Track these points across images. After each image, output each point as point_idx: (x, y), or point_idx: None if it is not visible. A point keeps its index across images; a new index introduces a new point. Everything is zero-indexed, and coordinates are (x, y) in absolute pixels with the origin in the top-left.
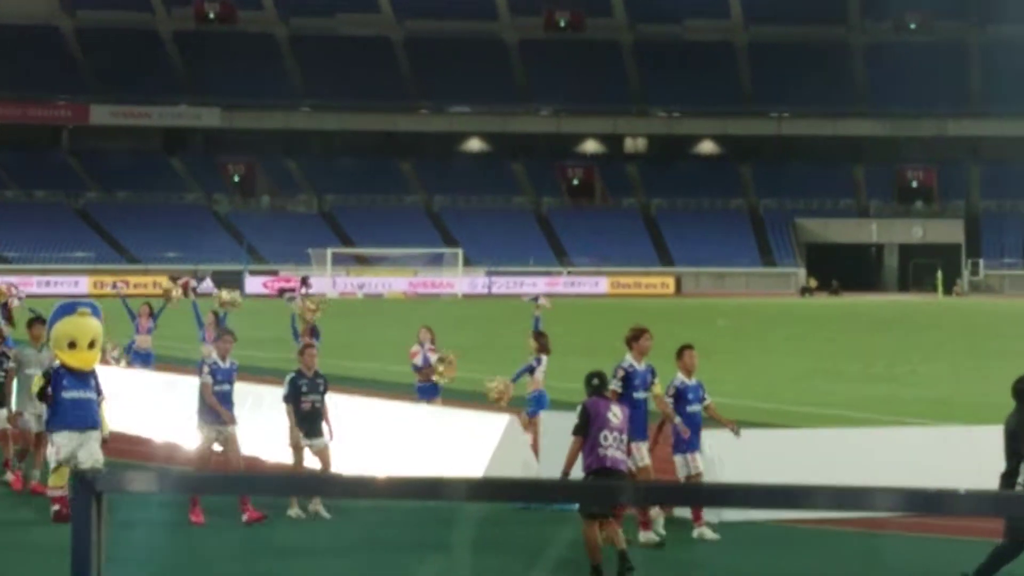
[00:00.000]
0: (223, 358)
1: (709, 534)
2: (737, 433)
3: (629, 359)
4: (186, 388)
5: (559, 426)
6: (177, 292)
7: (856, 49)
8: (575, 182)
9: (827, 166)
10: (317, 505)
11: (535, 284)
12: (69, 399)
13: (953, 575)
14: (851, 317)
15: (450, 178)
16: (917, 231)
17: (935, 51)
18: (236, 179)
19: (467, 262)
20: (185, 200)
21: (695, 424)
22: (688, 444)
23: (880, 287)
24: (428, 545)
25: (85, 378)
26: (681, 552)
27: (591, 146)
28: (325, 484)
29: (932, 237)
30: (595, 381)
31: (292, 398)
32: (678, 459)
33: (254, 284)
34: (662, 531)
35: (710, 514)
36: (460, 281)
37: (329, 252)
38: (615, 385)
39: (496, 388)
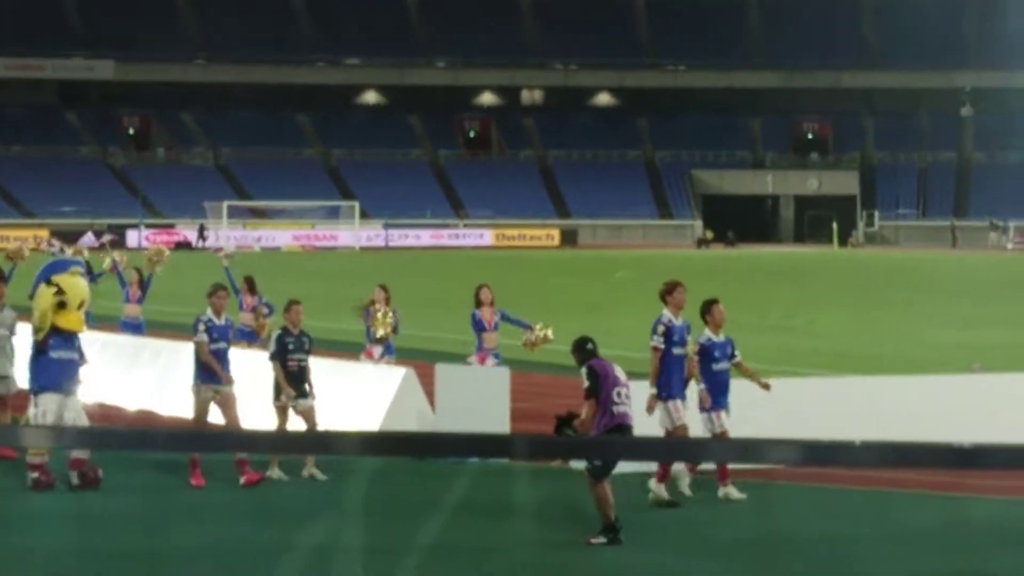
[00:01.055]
0: (218, 314)
1: (735, 493)
2: (767, 388)
3: (667, 314)
4: (158, 353)
5: (455, 378)
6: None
7: (751, 1)
8: (472, 135)
9: (723, 118)
10: (311, 468)
11: (418, 237)
12: (56, 359)
13: (847, 527)
14: (747, 268)
15: (347, 131)
16: (812, 183)
17: (830, 3)
18: (131, 132)
19: (364, 215)
20: (80, 153)
21: (722, 382)
22: (713, 402)
23: (776, 238)
24: (318, 504)
25: (71, 339)
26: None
27: (488, 98)
28: (217, 440)
29: (827, 188)
30: (589, 345)
31: (279, 356)
32: (703, 417)
33: (135, 239)
34: (687, 491)
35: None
36: (357, 234)
37: (225, 205)
38: (656, 341)
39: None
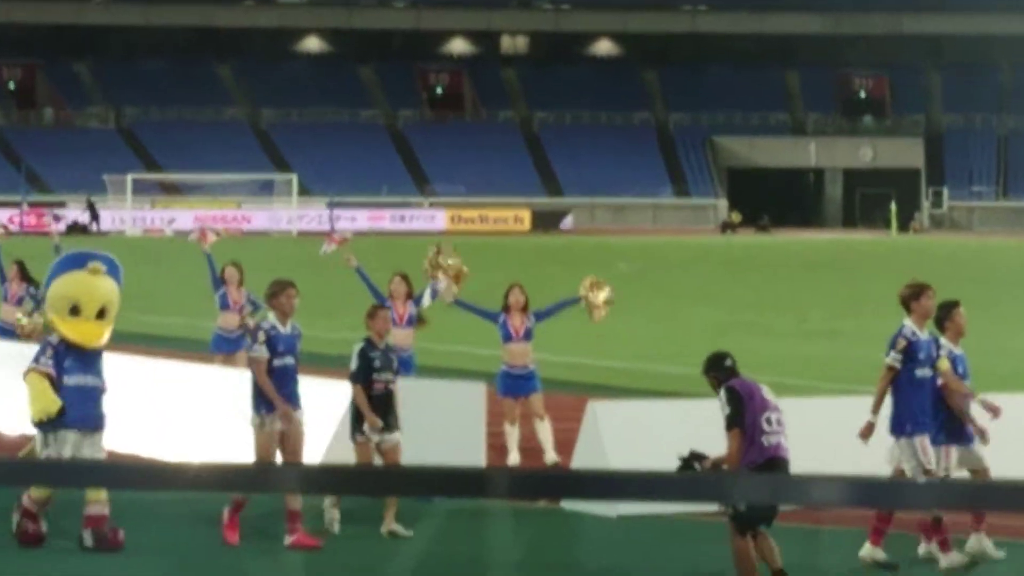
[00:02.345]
0: (284, 320)
1: (991, 550)
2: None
3: (909, 325)
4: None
5: (417, 394)
6: None
7: None
8: (439, 91)
9: (753, 72)
10: (391, 523)
11: (373, 218)
12: (74, 387)
13: None
14: (783, 259)
15: (281, 86)
16: (866, 153)
17: None
18: (11, 87)
19: (304, 191)
20: None
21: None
22: (916, 426)
23: (820, 222)
24: (254, 551)
25: (92, 359)
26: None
27: (459, 46)
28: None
29: (884, 160)
30: (728, 362)
31: (361, 377)
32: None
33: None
34: (992, 550)
35: (603, 506)
36: (295, 215)
37: (129, 178)
38: (893, 359)
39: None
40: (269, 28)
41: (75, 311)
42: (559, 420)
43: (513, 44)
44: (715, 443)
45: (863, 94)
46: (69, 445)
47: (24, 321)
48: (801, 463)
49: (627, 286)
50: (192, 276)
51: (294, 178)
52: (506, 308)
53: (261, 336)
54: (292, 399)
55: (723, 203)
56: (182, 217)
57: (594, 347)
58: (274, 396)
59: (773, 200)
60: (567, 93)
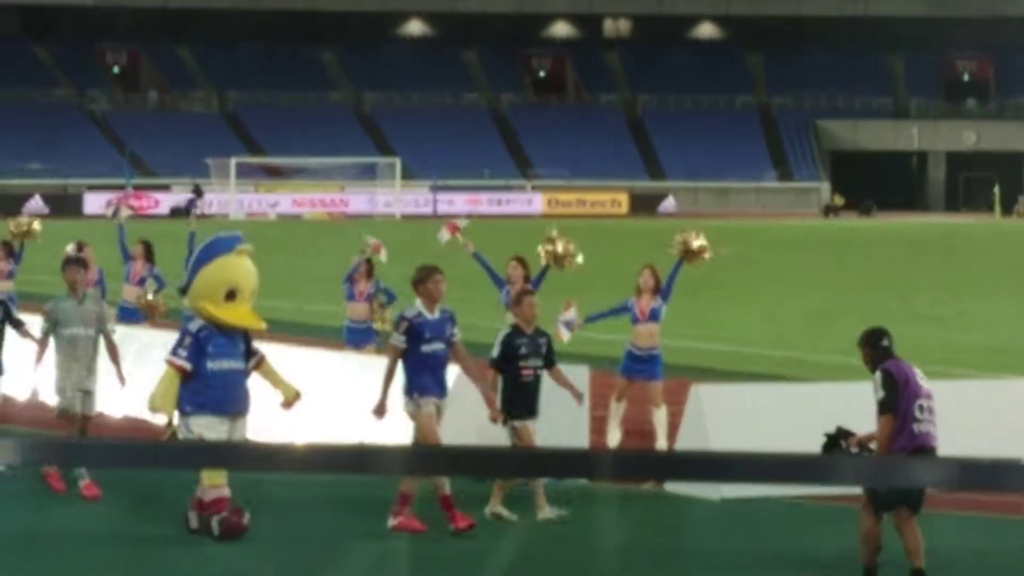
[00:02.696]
0: (431, 305)
1: None
2: None
3: None
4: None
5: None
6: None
7: None
8: (541, 74)
9: (856, 55)
10: (544, 510)
11: (475, 201)
12: (216, 371)
13: (1010, 562)
14: (886, 243)
15: (384, 70)
16: (969, 136)
17: None
18: (116, 71)
19: (407, 175)
20: (52, 97)
21: None
22: None
23: (923, 206)
24: (358, 532)
25: (235, 343)
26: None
27: (561, 29)
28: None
29: (988, 143)
30: (884, 341)
31: (506, 362)
32: None
33: (95, 203)
34: None
35: (706, 489)
36: (398, 198)
37: (233, 162)
38: None
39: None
40: (372, 12)
41: (231, 295)
42: (641, 401)
43: (616, 27)
44: (816, 427)
45: (966, 77)
46: (214, 431)
47: (150, 297)
48: None
49: (730, 270)
50: (300, 260)
51: (397, 162)
52: (637, 291)
53: (403, 325)
54: (440, 386)
55: (826, 186)
56: (285, 201)
57: (697, 331)
58: (386, 389)
59: (876, 184)
60: (669, 77)
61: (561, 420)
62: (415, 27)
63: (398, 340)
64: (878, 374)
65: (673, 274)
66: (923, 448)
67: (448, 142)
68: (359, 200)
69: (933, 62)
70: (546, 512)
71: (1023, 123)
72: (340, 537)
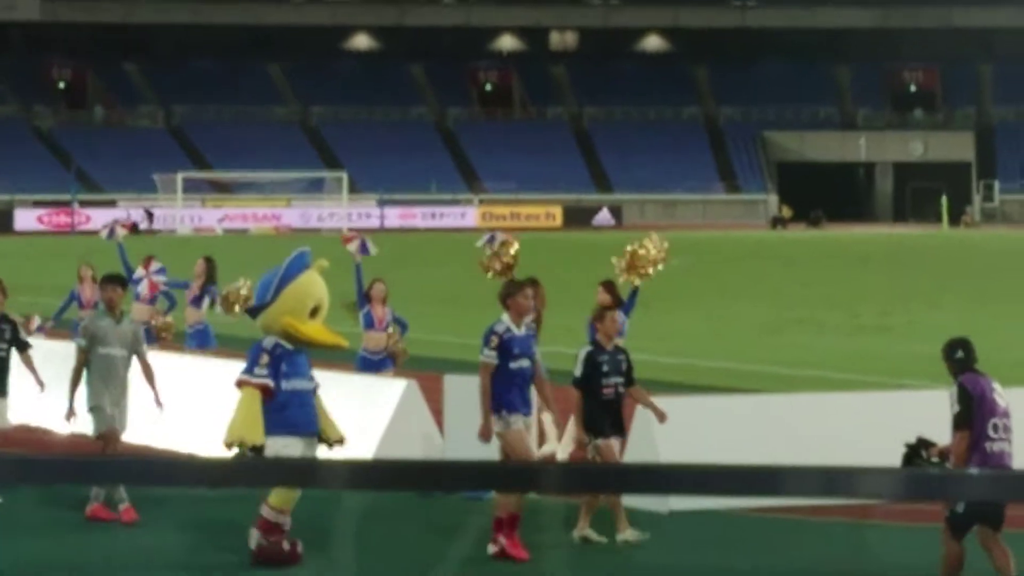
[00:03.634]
0: (519, 321)
1: None
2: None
3: None
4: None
5: (469, 391)
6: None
7: None
8: (488, 88)
9: (803, 66)
10: (626, 531)
11: (422, 216)
12: (291, 391)
13: None
14: (834, 254)
15: (331, 84)
16: (916, 147)
17: None
18: (62, 86)
19: (354, 188)
20: None
21: None
22: None
23: (871, 217)
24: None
25: (305, 361)
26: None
27: (508, 43)
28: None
29: (935, 154)
30: (959, 353)
31: (587, 382)
32: None
33: (26, 219)
34: None
35: (655, 503)
36: (345, 212)
37: (179, 177)
38: None
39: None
40: (319, 26)
41: (315, 312)
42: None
43: (562, 40)
44: (761, 440)
45: (913, 88)
46: (291, 452)
47: (169, 319)
48: (851, 457)
49: (678, 282)
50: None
51: (344, 176)
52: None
53: (494, 340)
54: (527, 403)
55: (773, 198)
56: (233, 215)
57: (646, 343)
58: (486, 408)
59: (824, 195)
60: (616, 89)
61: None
62: (362, 41)
63: (489, 356)
64: (954, 388)
65: (631, 305)
66: (997, 468)
67: (395, 156)
68: (306, 214)
69: (880, 73)
70: (627, 534)
71: (970, 133)
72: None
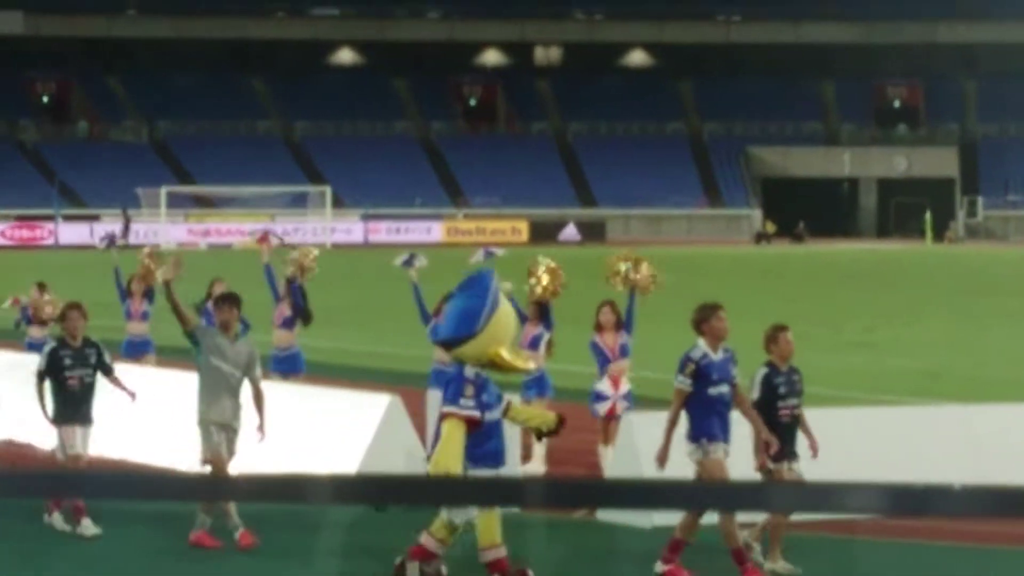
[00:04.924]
0: (716, 345)
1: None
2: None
3: None
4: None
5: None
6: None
7: None
8: (472, 103)
9: (787, 82)
10: (777, 562)
11: (406, 230)
12: (492, 422)
13: None
14: (818, 269)
15: (315, 99)
16: (900, 162)
17: None
18: (45, 100)
19: (337, 203)
20: None
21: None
22: None
23: (855, 232)
24: (286, 554)
25: (495, 389)
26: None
27: (492, 57)
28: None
29: (918, 170)
30: None
31: (766, 404)
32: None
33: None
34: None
35: (638, 517)
36: (329, 227)
37: (163, 191)
38: None
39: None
40: (302, 40)
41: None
42: (593, 432)
43: (546, 55)
44: (745, 455)
45: (897, 103)
46: None
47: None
48: (836, 472)
49: (662, 298)
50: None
51: (328, 190)
52: (598, 328)
53: (690, 367)
54: (726, 431)
55: (757, 213)
56: (216, 230)
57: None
58: (668, 433)
59: (807, 210)
60: (601, 104)
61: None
62: (345, 56)
63: (684, 383)
64: None
65: (630, 308)
66: None
67: (379, 171)
68: (290, 229)
69: (864, 88)
70: (779, 566)
71: (953, 149)
72: None
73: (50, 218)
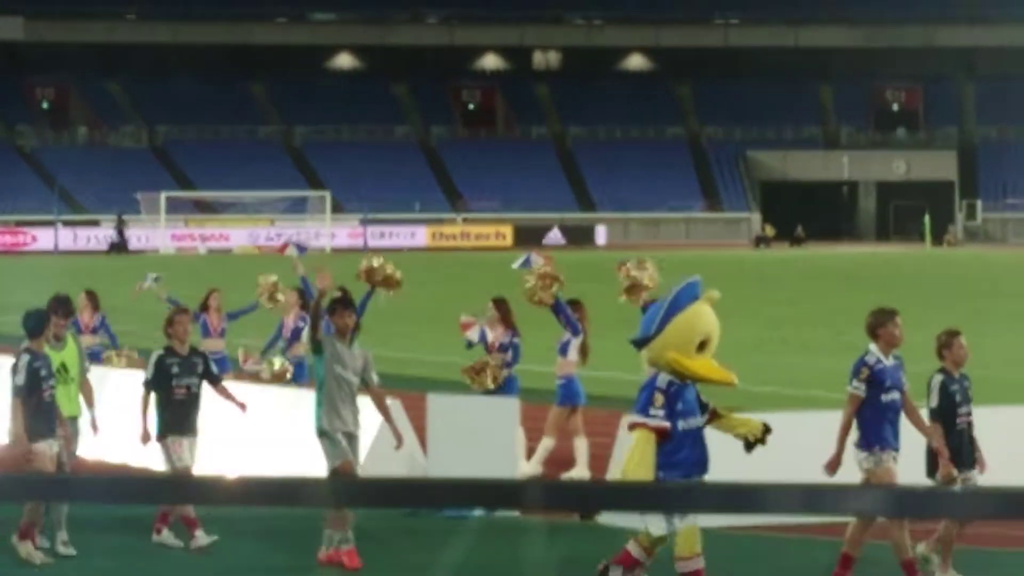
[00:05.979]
0: (888, 351)
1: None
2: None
3: None
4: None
5: (452, 410)
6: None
7: None
8: (471, 107)
9: (786, 85)
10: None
11: (409, 235)
12: (686, 430)
13: None
14: (818, 273)
15: (314, 104)
16: (899, 166)
17: None
18: (45, 106)
19: (337, 208)
20: None
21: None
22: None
23: (854, 235)
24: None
25: (695, 395)
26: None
27: (491, 62)
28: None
29: (918, 173)
30: None
31: (945, 412)
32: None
33: (49, 239)
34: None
35: (637, 520)
36: (328, 231)
37: (163, 196)
38: None
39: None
40: (302, 45)
41: (702, 346)
42: (594, 435)
43: (545, 60)
44: (745, 458)
45: (896, 107)
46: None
47: (276, 365)
48: (840, 476)
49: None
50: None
51: (327, 195)
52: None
53: (864, 372)
54: (896, 437)
55: (756, 217)
56: (215, 235)
57: (627, 361)
58: (842, 440)
59: (807, 214)
60: (600, 108)
61: (492, 452)
62: (344, 60)
63: (858, 388)
64: None
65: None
66: None
67: (378, 175)
68: (290, 233)
69: (863, 92)
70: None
71: (952, 152)
72: None
73: (34, 223)
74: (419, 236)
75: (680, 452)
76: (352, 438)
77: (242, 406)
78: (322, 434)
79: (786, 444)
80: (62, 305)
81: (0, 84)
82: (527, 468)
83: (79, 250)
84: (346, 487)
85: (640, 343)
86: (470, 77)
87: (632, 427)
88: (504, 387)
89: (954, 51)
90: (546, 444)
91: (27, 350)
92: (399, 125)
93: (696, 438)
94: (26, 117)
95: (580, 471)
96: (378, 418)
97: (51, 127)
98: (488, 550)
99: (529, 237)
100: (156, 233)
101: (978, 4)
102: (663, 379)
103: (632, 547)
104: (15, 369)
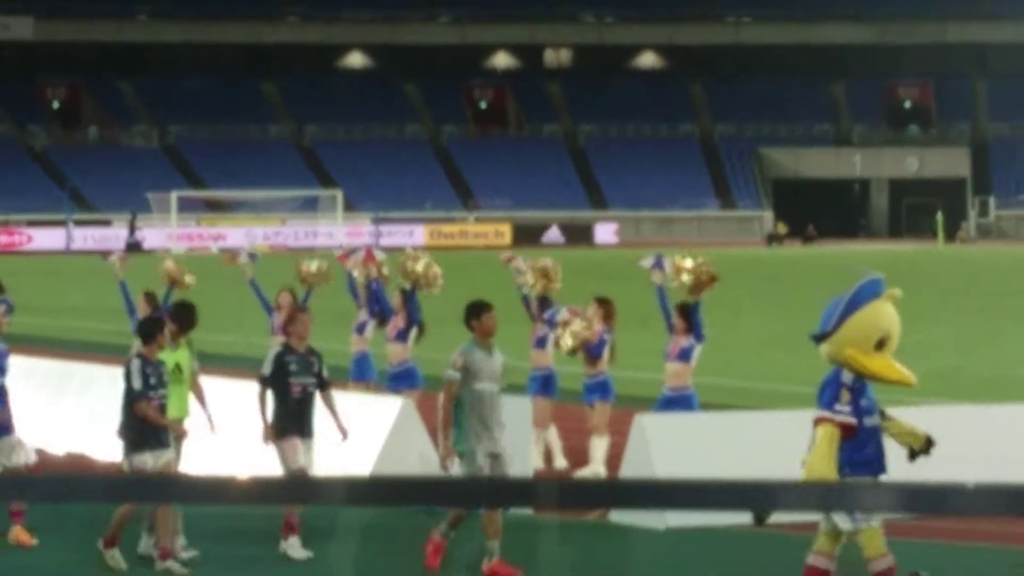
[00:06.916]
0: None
1: None
2: None
3: None
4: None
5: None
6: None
7: None
8: (483, 106)
9: (797, 83)
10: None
11: (410, 233)
12: (870, 427)
13: None
14: (830, 271)
15: (325, 103)
16: (911, 163)
17: None
18: (56, 106)
19: (348, 207)
20: None
21: None
22: None
23: (866, 233)
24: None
25: (874, 395)
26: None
27: (503, 60)
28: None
29: (930, 170)
30: None
31: None
32: None
33: (60, 238)
34: None
35: (652, 519)
36: (340, 230)
37: (174, 196)
38: None
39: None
40: (313, 45)
41: (881, 345)
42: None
43: (557, 58)
44: (759, 456)
45: (908, 104)
46: None
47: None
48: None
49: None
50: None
51: (339, 194)
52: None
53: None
54: None
55: (769, 215)
56: (228, 234)
57: (640, 360)
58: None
59: (819, 211)
60: (611, 106)
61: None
62: (356, 59)
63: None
64: None
65: (663, 302)
66: None
67: (390, 174)
68: (301, 232)
69: (875, 89)
70: None
71: (965, 149)
72: None
73: (28, 223)
74: (417, 235)
75: (866, 449)
76: (496, 457)
77: (343, 431)
78: (461, 454)
79: (798, 442)
80: (182, 313)
81: (11, 84)
82: (587, 470)
83: (88, 250)
84: (362, 485)
85: (819, 338)
86: (481, 76)
87: (817, 422)
88: (405, 376)
89: (966, 48)
90: (550, 438)
91: (138, 355)
92: (410, 124)
93: (878, 437)
94: (37, 117)
95: (595, 469)
96: (387, 421)
97: (62, 127)
98: (501, 549)
99: (528, 236)
100: (166, 232)
101: (990, 1)
102: (847, 376)
103: (814, 559)
104: (127, 375)
